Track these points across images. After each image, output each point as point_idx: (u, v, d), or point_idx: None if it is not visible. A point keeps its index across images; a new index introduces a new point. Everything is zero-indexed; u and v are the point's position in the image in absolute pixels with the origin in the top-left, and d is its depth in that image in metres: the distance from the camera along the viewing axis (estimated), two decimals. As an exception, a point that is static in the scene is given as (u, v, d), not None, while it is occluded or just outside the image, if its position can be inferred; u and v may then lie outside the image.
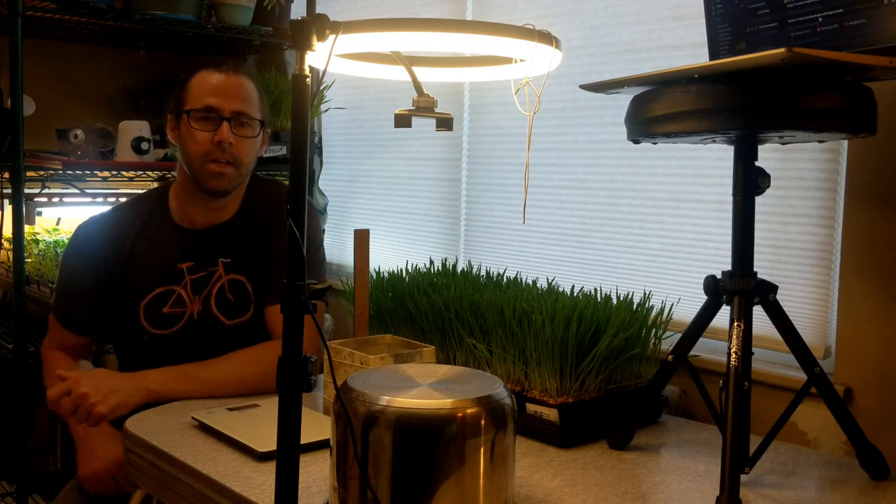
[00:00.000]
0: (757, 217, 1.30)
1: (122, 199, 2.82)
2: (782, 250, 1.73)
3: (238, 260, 1.79)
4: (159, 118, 2.83)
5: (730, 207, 1.31)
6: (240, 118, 1.72)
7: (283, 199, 1.84)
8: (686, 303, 1.79)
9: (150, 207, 1.83)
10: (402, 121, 1.19)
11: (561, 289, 1.75)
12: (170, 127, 1.78)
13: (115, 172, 2.48)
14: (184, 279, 1.77)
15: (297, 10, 2.83)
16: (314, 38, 0.98)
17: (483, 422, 1.02)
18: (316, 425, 1.40)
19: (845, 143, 1.62)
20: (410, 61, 1.28)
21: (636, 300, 1.59)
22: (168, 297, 1.76)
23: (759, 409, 1.39)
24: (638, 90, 1.30)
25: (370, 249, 1.76)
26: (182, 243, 1.79)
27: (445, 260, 2.01)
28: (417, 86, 1.24)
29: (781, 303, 1.31)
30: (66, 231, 2.75)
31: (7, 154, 2.14)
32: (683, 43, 1.88)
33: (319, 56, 1.05)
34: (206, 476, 1.26)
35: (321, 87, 2.71)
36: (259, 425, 1.44)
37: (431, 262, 1.99)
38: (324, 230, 2.53)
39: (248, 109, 1.73)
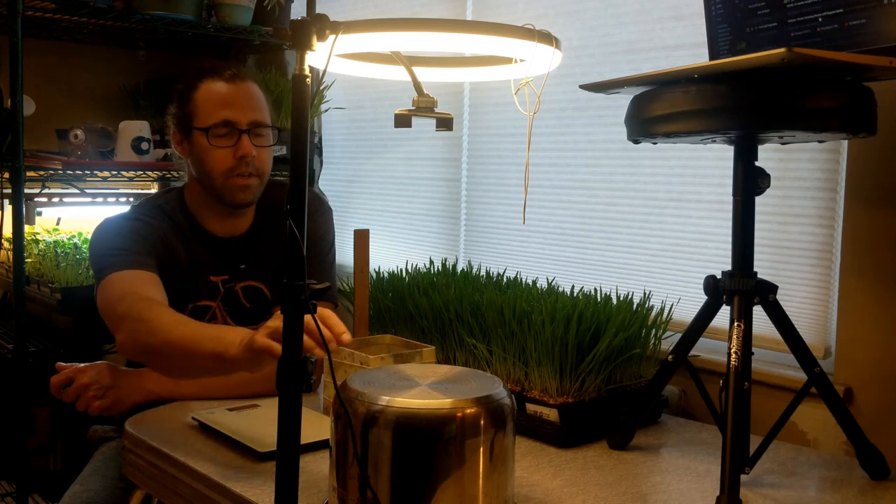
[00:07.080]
0: (757, 217, 1.30)
1: (122, 200, 2.85)
2: (782, 250, 1.73)
3: (255, 266, 1.77)
4: (159, 118, 2.83)
5: (730, 207, 1.31)
6: (256, 128, 1.68)
7: None
8: (686, 303, 1.79)
9: (173, 216, 1.73)
10: (402, 121, 1.19)
11: (561, 289, 1.75)
12: (175, 140, 1.72)
13: (115, 172, 2.48)
14: (219, 293, 1.74)
15: (297, 10, 2.82)
16: (314, 38, 0.98)
17: (483, 422, 1.02)
18: (316, 425, 1.40)
19: (845, 143, 1.62)
20: (410, 61, 1.27)
21: (636, 300, 1.59)
22: (204, 312, 1.72)
23: (759, 409, 1.39)
24: (638, 90, 1.30)
25: (370, 249, 1.76)
26: (210, 254, 1.74)
27: (445, 260, 2.01)
28: (417, 86, 1.24)
29: (781, 303, 1.31)
30: (67, 231, 2.74)
31: (7, 154, 2.13)
32: (683, 43, 1.88)
33: (319, 56, 1.05)
34: (206, 476, 1.26)
35: (321, 87, 2.71)
36: (259, 425, 1.43)
37: (431, 262, 1.99)
38: None
39: (262, 118, 1.69)
